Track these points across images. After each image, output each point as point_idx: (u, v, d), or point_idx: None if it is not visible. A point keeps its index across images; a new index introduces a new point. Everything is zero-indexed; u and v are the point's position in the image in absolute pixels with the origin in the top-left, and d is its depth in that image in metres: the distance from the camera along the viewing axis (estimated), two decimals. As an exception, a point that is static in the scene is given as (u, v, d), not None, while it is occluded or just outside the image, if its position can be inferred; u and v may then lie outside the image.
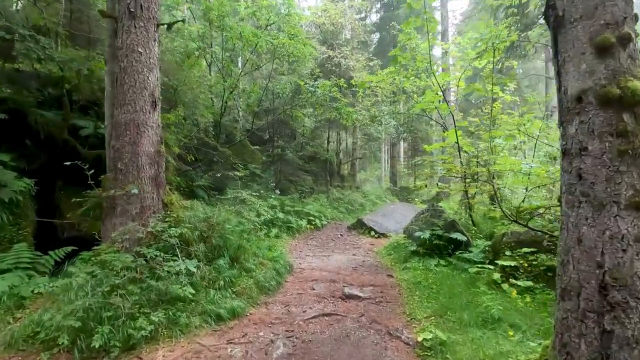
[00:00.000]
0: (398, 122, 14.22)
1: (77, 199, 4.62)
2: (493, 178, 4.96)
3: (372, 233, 8.91)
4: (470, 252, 5.73)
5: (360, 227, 9.49)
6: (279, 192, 10.46)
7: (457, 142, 6.91)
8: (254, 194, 11.01)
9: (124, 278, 3.73)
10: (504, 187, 6.92)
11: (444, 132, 11.03)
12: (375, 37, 26.58)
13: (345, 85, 10.74)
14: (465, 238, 5.81)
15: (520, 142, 8.31)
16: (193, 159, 9.18)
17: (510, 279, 4.41)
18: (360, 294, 4.70)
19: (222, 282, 4.43)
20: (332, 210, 13.01)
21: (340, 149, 19.42)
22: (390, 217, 9.38)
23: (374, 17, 27.15)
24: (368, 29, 23.33)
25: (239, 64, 13.30)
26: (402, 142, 29.83)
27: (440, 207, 6.84)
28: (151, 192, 4.77)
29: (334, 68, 13.50)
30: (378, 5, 25.74)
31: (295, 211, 10.12)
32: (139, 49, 4.69)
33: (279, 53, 10.37)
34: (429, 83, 12.04)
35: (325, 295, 4.76)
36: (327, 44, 14.51)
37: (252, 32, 9.37)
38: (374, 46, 25.57)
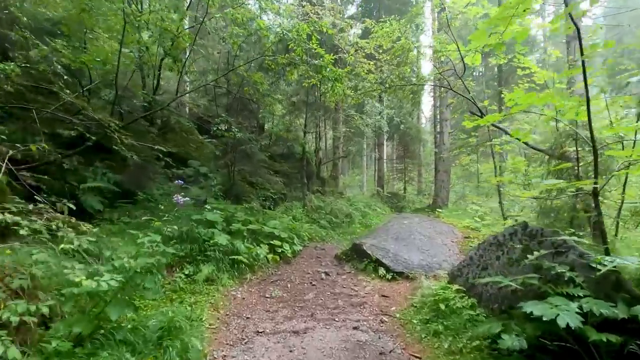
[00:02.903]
0: (400, 102, 10.60)
1: None
2: None
3: (381, 271, 5.10)
4: None
5: (359, 257, 5.65)
6: (197, 200, 6.42)
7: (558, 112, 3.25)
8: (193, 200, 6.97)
9: None
10: None
11: (470, 116, 7.49)
12: (356, 31, 23.13)
13: (331, 31, 6.96)
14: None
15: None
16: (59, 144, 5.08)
17: None
18: None
19: None
20: (311, 226, 9.09)
21: (320, 145, 15.60)
22: (409, 241, 5.63)
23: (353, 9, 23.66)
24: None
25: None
26: (385, 144, 26.51)
27: (558, 232, 3.09)
28: None
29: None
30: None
31: (250, 231, 6.12)
32: None
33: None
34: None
35: None
36: (304, -1, 10.77)
37: None
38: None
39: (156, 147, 6.52)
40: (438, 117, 22.68)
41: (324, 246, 7.74)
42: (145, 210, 6.72)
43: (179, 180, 3.33)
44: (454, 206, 17.66)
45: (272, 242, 6.09)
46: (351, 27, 11.52)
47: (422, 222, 6.63)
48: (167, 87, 13.70)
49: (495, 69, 24.01)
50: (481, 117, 7.01)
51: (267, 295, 4.65)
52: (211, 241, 5.37)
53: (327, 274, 5.39)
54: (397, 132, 22.86)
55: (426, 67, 22.00)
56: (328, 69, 6.57)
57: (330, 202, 12.20)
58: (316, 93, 12.55)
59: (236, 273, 5.13)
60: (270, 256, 5.83)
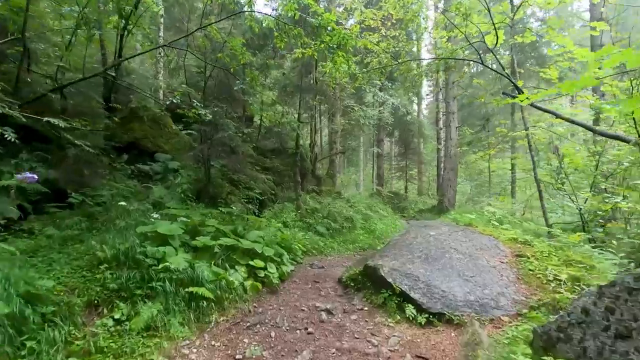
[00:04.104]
0: (412, 83, 8.95)
1: None
2: None
3: (410, 310, 3.46)
4: None
5: (374, 286, 4.00)
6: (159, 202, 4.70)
7: None
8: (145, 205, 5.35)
9: None
10: None
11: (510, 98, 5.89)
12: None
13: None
14: None
15: None
16: None
17: None
18: None
19: None
20: (305, 234, 7.44)
21: (315, 139, 13.92)
22: (443, 262, 3.97)
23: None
24: None
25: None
26: (384, 140, 24.97)
27: None
28: None
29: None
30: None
31: (223, 247, 4.43)
32: None
33: None
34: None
35: None
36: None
37: None
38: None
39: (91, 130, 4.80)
40: (442, 110, 21.16)
41: (322, 262, 6.08)
42: (82, 218, 5.02)
43: (27, 175, 1.64)
44: (463, 208, 16.14)
45: (252, 262, 4.40)
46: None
47: (453, 234, 5.00)
48: (142, 70, 11.90)
49: (494, 66, 22.61)
50: (519, 95, 5.46)
51: (237, 356, 2.98)
52: (160, 265, 3.68)
53: (329, 312, 3.73)
54: (397, 128, 21.30)
55: (424, 56, 20.41)
56: (329, 29, 4.91)
57: (327, 204, 10.57)
58: (311, 75, 10.89)
59: (194, 315, 3.44)
60: (248, 284, 4.15)
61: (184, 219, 4.84)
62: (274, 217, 7.92)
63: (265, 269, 4.46)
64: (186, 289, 3.56)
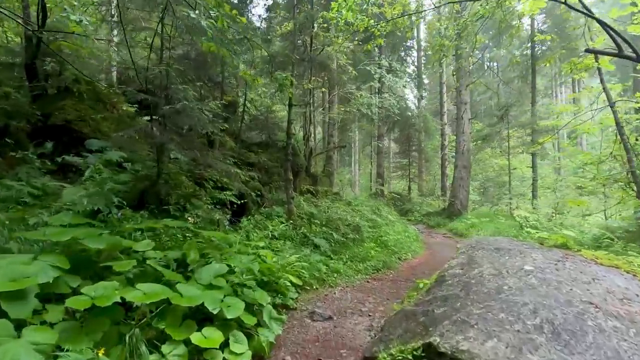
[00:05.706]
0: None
1: None
2: None
3: None
4: None
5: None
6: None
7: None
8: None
9: None
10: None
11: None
12: None
13: None
14: None
15: None
16: None
17: None
18: None
19: None
20: (300, 252, 5.22)
21: (310, 130, 11.73)
22: (593, 342, 2.01)
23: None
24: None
25: None
26: (384, 135, 22.79)
27: None
28: None
29: None
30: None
31: (149, 306, 2.25)
32: None
33: None
34: None
35: None
36: None
37: None
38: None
39: None
40: (446, 101, 19.22)
41: (327, 302, 3.91)
42: None
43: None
44: (478, 210, 14.19)
45: (198, 336, 2.22)
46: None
47: (560, 266, 2.92)
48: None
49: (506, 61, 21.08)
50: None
51: None
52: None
53: None
54: (399, 122, 19.23)
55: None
56: None
57: (326, 208, 8.45)
58: (307, 51, 8.75)
59: None
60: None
61: (88, 245, 2.64)
62: (257, 228, 5.74)
63: (225, 346, 2.27)
64: None
